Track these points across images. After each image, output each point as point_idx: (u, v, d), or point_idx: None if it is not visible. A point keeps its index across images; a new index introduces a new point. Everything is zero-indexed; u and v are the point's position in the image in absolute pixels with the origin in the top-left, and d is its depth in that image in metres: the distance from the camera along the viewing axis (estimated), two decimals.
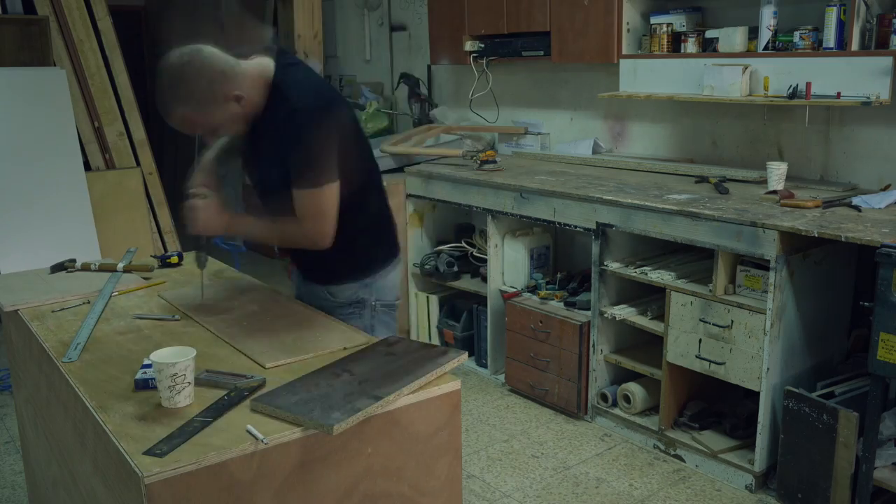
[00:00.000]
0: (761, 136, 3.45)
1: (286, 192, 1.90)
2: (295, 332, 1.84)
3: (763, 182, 3.18)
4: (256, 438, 1.31)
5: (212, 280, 2.27)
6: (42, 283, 2.24)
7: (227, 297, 2.11)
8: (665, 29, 3.48)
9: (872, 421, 2.47)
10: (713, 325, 2.86)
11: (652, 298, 3.30)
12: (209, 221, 1.95)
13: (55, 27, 5.03)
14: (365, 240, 2.10)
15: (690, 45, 3.40)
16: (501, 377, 3.88)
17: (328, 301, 2.10)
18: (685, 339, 2.98)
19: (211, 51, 1.84)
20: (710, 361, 2.89)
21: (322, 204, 1.89)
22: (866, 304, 2.42)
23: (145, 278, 2.30)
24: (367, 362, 1.61)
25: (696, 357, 2.94)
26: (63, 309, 2.02)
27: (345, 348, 1.73)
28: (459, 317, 4.13)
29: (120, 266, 2.33)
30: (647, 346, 3.27)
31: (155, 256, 2.50)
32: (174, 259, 2.46)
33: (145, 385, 1.50)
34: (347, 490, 1.43)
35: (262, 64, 1.93)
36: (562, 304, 3.56)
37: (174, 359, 1.42)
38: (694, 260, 3.21)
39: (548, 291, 3.66)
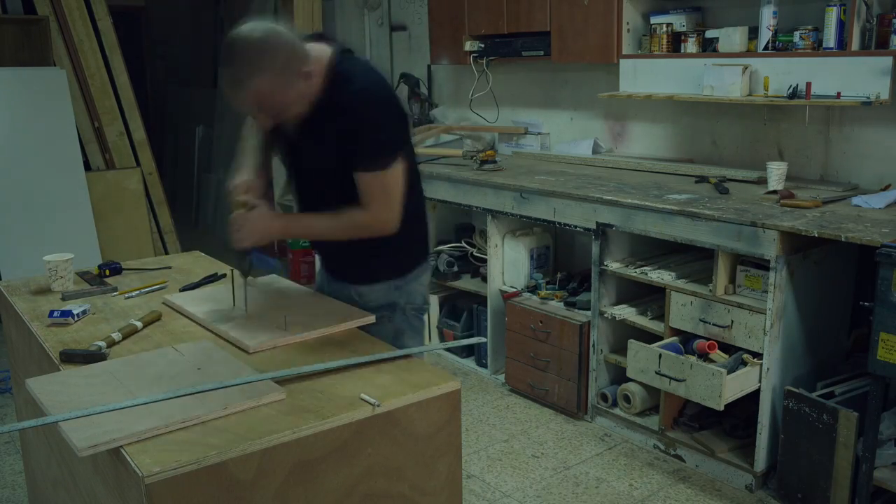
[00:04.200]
0: (761, 136, 3.45)
1: (343, 180, 1.87)
2: (289, 316, 1.89)
3: (763, 182, 3.18)
4: (370, 403, 1.43)
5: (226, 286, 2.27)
6: None
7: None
8: (665, 29, 3.48)
9: (872, 421, 2.47)
10: (713, 324, 2.86)
11: (652, 298, 3.30)
12: (265, 230, 1.90)
13: (55, 27, 5.03)
14: (401, 238, 1.98)
15: (690, 45, 3.40)
16: (501, 377, 3.88)
17: (355, 304, 2.03)
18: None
19: (284, 27, 1.82)
20: None
21: (389, 186, 1.87)
22: (866, 304, 2.42)
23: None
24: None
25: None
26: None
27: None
28: (459, 317, 4.13)
29: None
30: None
31: None
32: None
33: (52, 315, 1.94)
34: (347, 490, 1.43)
35: (322, 49, 1.90)
36: (562, 304, 3.56)
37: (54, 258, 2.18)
38: (694, 260, 3.21)
39: (548, 291, 3.66)
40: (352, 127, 1.84)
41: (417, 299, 2.09)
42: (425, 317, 2.15)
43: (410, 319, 2.07)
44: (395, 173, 1.88)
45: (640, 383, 3.22)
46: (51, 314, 1.94)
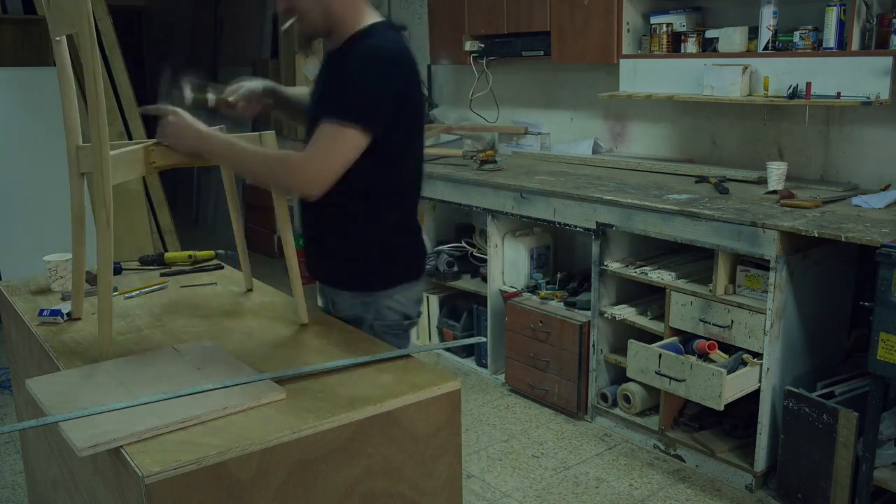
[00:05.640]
0: (761, 136, 3.45)
1: None
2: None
3: (763, 182, 3.18)
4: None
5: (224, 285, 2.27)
6: None
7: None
8: (665, 29, 3.48)
9: (872, 421, 2.47)
10: (713, 325, 2.86)
11: (652, 298, 3.30)
12: (182, 130, 1.76)
13: None
14: (382, 246, 1.89)
15: (690, 45, 3.41)
16: (501, 377, 3.88)
17: (331, 313, 1.94)
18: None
19: None
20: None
21: (336, 143, 1.68)
22: (866, 304, 2.42)
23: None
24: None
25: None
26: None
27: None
28: (459, 317, 4.13)
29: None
30: None
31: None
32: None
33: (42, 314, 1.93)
34: (347, 490, 1.43)
35: (374, 15, 1.84)
36: (562, 304, 3.57)
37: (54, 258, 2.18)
38: (694, 260, 3.21)
39: (548, 291, 3.66)
40: (341, 76, 1.74)
41: (391, 316, 1.92)
42: (412, 332, 2.01)
43: (382, 336, 1.87)
44: (351, 136, 1.68)
45: (640, 383, 3.22)
46: (40, 313, 1.92)
